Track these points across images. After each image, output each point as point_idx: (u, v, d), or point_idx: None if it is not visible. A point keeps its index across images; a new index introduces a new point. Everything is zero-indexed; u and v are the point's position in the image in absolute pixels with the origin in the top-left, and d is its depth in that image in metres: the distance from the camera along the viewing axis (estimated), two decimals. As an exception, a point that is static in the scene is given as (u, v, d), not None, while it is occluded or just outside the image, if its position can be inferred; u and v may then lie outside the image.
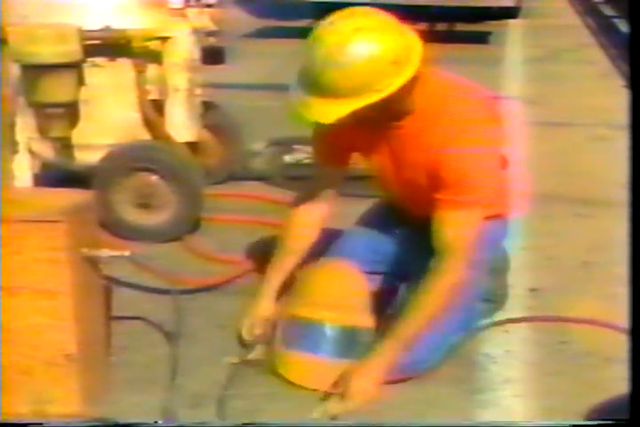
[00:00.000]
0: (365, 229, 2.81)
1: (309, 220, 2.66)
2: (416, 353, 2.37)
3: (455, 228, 2.35)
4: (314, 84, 2.23)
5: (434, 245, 2.38)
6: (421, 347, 2.37)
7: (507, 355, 2.61)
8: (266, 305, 2.65)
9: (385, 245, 2.74)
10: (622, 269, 2.34)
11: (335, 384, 2.34)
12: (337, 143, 2.54)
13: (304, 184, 2.79)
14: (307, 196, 2.67)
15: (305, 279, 2.55)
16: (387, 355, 2.35)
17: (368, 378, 2.32)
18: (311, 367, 2.41)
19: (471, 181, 2.33)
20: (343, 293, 2.50)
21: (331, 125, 2.28)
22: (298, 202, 2.68)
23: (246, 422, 2.21)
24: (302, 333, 2.44)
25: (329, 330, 2.42)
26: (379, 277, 2.73)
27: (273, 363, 2.45)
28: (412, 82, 2.27)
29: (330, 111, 2.23)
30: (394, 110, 2.35)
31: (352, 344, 2.42)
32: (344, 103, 2.21)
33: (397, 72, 2.22)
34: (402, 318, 2.37)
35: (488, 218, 2.48)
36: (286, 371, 2.42)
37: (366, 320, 2.48)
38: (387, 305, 2.62)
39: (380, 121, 2.39)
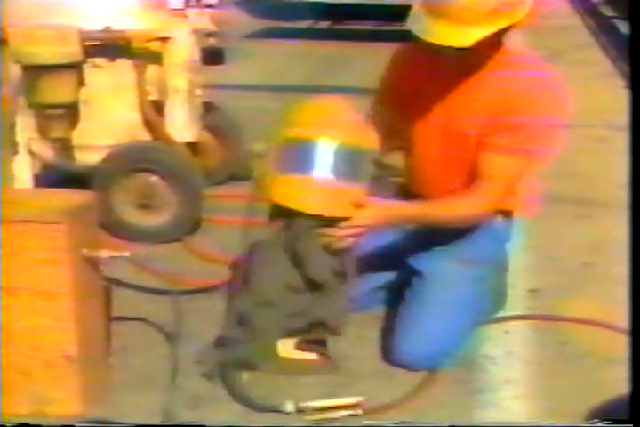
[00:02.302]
0: None
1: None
2: (441, 346, 2.47)
3: (498, 170, 2.46)
4: (450, 11, 2.31)
5: (477, 176, 2.47)
6: (446, 340, 2.47)
7: (507, 356, 2.61)
8: None
9: (389, 244, 2.74)
10: (622, 270, 2.34)
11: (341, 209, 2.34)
12: (401, 85, 2.61)
13: None
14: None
15: (301, 111, 2.45)
16: (404, 210, 2.48)
17: (377, 211, 2.39)
18: (307, 188, 2.33)
19: (528, 131, 2.44)
20: (342, 117, 2.41)
21: (401, 65, 2.53)
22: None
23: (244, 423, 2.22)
24: (298, 153, 2.36)
25: (325, 148, 2.33)
26: (381, 273, 2.75)
27: (268, 191, 2.35)
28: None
29: (467, 35, 2.31)
30: (483, 46, 2.39)
31: (349, 163, 2.36)
32: (479, 28, 2.31)
33: (522, 1, 2.36)
34: (434, 202, 2.52)
35: (498, 213, 2.61)
36: (281, 196, 2.30)
37: (367, 141, 2.41)
38: (397, 298, 2.66)
39: (461, 58, 2.45)
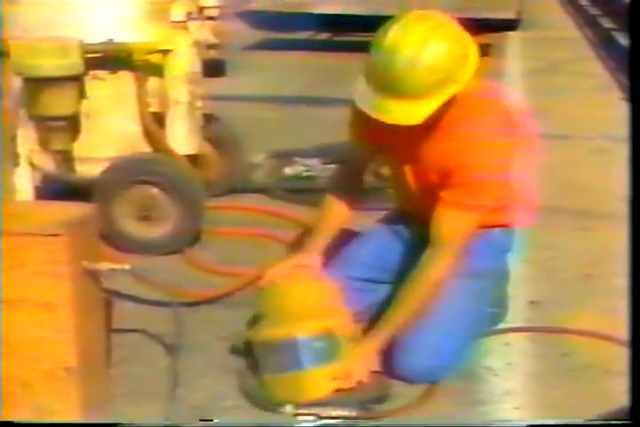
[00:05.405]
0: (375, 236, 2.82)
1: (342, 198, 2.68)
2: (442, 359, 2.47)
3: (451, 226, 2.44)
4: (394, 87, 2.28)
5: (429, 237, 2.46)
6: (447, 353, 2.48)
7: (507, 367, 2.61)
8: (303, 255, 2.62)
9: (393, 254, 2.74)
10: (622, 282, 2.35)
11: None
12: (368, 129, 2.55)
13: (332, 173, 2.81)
14: (339, 175, 2.75)
15: (266, 298, 2.52)
16: (375, 341, 2.47)
17: (360, 361, 2.41)
18: (297, 383, 2.38)
19: (479, 187, 2.41)
20: (309, 301, 2.46)
21: (361, 118, 2.39)
22: (332, 183, 2.76)
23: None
24: (277, 354, 2.40)
25: (302, 342, 2.38)
26: (382, 286, 2.74)
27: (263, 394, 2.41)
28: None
29: (418, 111, 2.29)
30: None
31: (331, 348, 2.39)
32: (428, 101, 2.29)
33: (466, 63, 2.32)
34: (390, 308, 2.50)
35: (495, 226, 2.61)
36: (277, 395, 2.37)
37: (341, 321, 2.45)
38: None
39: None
